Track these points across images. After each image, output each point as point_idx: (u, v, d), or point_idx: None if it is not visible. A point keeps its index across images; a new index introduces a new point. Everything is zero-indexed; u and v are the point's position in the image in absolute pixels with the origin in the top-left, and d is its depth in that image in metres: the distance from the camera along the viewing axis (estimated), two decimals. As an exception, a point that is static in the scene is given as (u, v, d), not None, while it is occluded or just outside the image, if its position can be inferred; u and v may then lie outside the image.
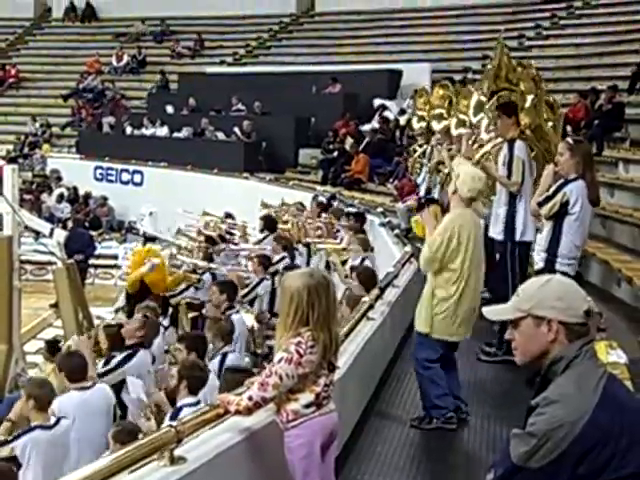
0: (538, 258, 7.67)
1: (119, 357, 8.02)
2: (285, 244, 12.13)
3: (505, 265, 8.35)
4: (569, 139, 7.85)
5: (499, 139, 8.91)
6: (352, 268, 10.18)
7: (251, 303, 10.97)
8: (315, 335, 4.28)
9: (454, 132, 11.37)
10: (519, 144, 8.43)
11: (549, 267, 7.35)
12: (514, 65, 9.60)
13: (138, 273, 10.85)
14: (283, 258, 11.79)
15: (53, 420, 6.54)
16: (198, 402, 6.50)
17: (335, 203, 16.01)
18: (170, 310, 10.48)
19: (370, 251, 11.48)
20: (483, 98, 10.19)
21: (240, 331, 9.18)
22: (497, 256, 8.48)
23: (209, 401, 6.76)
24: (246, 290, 11.02)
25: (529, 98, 9.15)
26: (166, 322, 9.96)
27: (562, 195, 7.33)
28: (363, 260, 10.88)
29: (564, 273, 6.98)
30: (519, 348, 3.11)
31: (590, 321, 3.05)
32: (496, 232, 8.47)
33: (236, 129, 23.70)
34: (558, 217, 7.40)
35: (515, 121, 8.58)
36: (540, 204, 7.47)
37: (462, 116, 11.22)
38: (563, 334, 3.02)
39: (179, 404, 6.45)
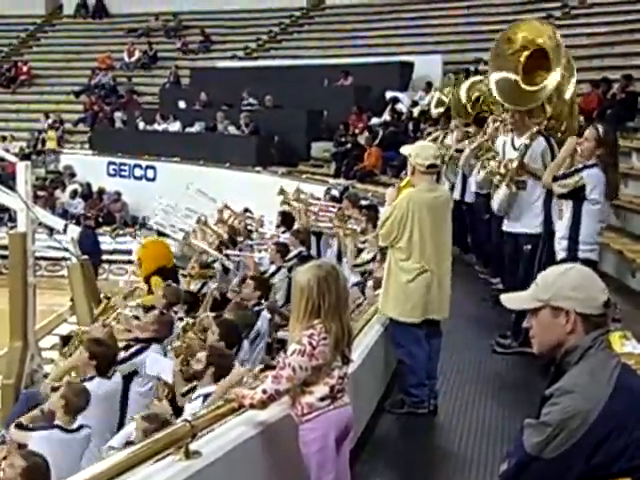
0: (559, 247, 7.50)
1: (134, 348, 8.13)
2: (303, 238, 12.12)
3: (533, 258, 8.04)
4: (599, 127, 7.58)
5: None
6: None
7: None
8: (327, 326, 4.29)
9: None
10: (541, 139, 8.29)
11: (572, 255, 7.22)
12: None
13: None
14: (300, 252, 11.77)
15: (76, 426, 6.56)
16: None
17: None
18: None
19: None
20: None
21: (266, 329, 9.16)
22: (527, 248, 8.12)
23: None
24: None
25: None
26: (181, 313, 9.92)
27: (578, 179, 7.22)
28: (375, 256, 10.79)
29: (587, 260, 6.92)
30: (536, 337, 3.08)
31: (608, 312, 3.03)
32: (532, 225, 8.15)
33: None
34: (577, 202, 7.27)
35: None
36: (555, 179, 7.35)
37: None
38: (581, 325, 2.99)
39: (201, 392, 6.24)
